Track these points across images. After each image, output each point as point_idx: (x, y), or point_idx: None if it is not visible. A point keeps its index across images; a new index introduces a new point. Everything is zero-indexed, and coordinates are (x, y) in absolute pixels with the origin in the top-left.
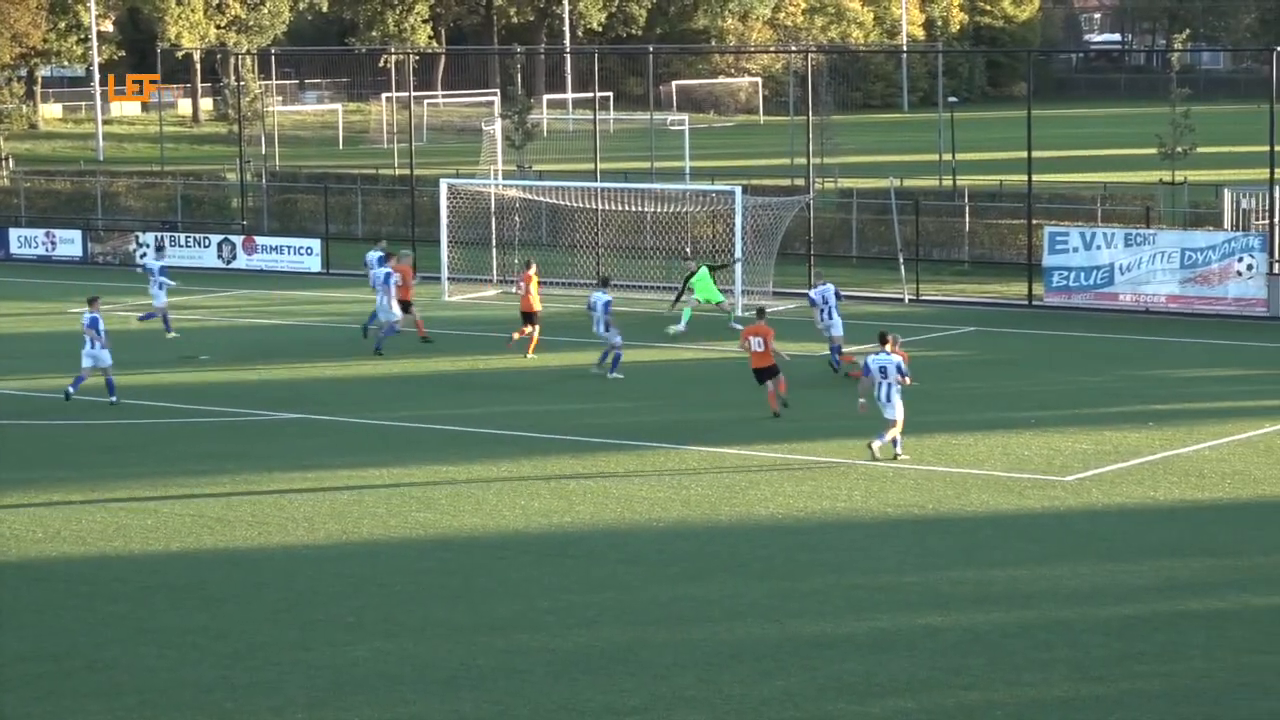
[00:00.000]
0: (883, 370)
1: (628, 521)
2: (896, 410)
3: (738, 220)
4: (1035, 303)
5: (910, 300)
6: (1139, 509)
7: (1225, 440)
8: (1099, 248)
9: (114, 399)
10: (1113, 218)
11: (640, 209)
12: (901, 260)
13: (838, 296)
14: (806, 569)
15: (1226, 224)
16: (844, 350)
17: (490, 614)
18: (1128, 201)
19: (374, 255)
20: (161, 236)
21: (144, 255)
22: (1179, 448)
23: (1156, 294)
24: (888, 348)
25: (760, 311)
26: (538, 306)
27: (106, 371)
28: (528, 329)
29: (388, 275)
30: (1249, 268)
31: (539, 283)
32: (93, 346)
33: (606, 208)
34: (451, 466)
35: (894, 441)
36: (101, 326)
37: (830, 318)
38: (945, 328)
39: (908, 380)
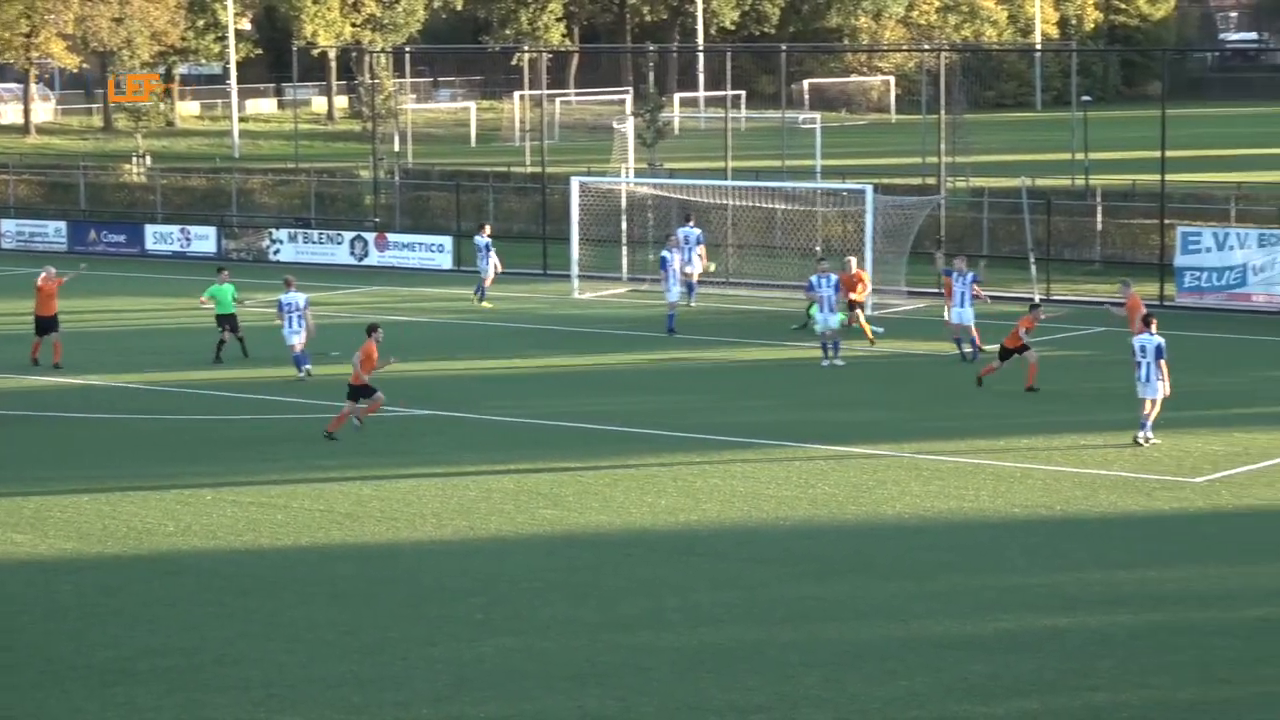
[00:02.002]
0: (1143, 350)
1: (754, 520)
2: (1155, 390)
3: (868, 219)
4: (1167, 303)
5: (1041, 300)
6: (1269, 511)
7: None
8: (1232, 248)
9: (304, 375)
10: (1247, 218)
11: (771, 207)
12: (1032, 260)
13: (976, 282)
14: (932, 569)
15: None
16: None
17: (616, 611)
18: (1262, 202)
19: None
20: None
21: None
22: None
23: None
24: (1152, 328)
25: (1034, 305)
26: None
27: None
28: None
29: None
30: None
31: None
32: (294, 325)
33: (737, 205)
34: (579, 464)
35: (1145, 424)
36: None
37: (961, 305)
38: (1076, 328)
39: (1163, 364)
